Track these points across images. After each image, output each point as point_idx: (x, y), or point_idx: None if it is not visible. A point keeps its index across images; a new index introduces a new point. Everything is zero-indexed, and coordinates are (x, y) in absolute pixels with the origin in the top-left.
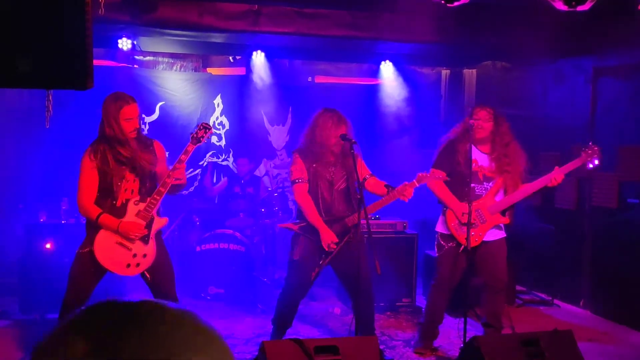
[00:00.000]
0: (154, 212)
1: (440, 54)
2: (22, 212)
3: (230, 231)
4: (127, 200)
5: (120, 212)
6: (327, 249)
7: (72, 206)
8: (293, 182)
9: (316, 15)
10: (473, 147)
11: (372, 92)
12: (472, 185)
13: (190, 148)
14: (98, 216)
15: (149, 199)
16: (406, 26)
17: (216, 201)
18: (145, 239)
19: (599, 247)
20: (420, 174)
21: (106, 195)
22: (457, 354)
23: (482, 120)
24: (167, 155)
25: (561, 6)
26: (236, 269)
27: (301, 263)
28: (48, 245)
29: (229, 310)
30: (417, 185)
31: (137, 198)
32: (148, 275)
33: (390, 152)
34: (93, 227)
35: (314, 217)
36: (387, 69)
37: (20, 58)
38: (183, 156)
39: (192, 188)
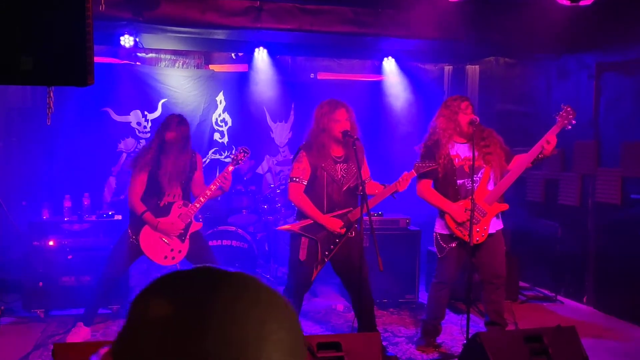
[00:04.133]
0: (193, 216)
1: (443, 50)
2: (26, 209)
3: (233, 228)
4: (170, 204)
5: (164, 211)
6: (339, 232)
7: (75, 203)
8: (290, 179)
9: (318, 12)
10: (453, 141)
11: (375, 88)
12: (462, 181)
13: (230, 168)
14: (142, 213)
15: (190, 205)
16: (408, 22)
17: (219, 198)
18: (182, 238)
19: (603, 243)
20: (416, 163)
21: (153, 195)
22: (460, 350)
23: (473, 114)
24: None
25: (564, 1)
26: (239, 265)
27: (306, 262)
28: (51, 243)
29: None
30: (415, 174)
31: (181, 203)
32: (179, 267)
33: (393, 148)
34: (139, 220)
35: (313, 212)
36: (389, 65)
37: (23, 56)
38: (226, 174)
39: None
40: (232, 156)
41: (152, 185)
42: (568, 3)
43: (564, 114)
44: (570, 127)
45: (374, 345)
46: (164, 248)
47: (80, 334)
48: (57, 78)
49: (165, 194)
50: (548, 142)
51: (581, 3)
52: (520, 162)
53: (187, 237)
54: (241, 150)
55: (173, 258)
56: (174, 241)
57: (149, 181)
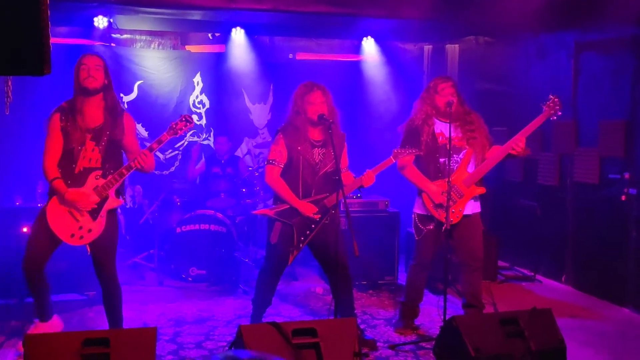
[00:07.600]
0: (112, 191)
1: (422, 30)
2: None
3: (211, 212)
4: (87, 170)
5: (78, 181)
6: (314, 218)
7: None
8: (267, 162)
9: None
10: (435, 120)
11: (354, 68)
12: (443, 160)
13: (165, 138)
14: (53, 179)
15: (109, 176)
16: (385, 2)
17: (197, 182)
18: (94, 215)
19: (581, 222)
20: (395, 150)
21: (68, 159)
22: (438, 332)
23: (451, 95)
24: (136, 129)
25: None
26: (217, 250)
27: (278, 246)
28: (25, 229)
29: (210, 291)
30: (394, 160)
31: (99, 173)
32: (89, 249)
33: (372, 128)
34: (50, 189)
35: (288, 196)
36: (369, 45)
37: None
38: (155, 144)
39: (173, 168)
40: (172, 123)
41: (66, 146)
42: None
43: (551, 104)
44: (555, 117)
45: (350, 330)
46: (72, 224)
47: (39, 329)
48: (11, 67)
49: (80, 157)
50: (518, 145)
51: None
52: (496, 153)
53: (102, 214)
54: (183, 119)
55: (81, 237)
56: (84, 217)
57: (64, 141)
